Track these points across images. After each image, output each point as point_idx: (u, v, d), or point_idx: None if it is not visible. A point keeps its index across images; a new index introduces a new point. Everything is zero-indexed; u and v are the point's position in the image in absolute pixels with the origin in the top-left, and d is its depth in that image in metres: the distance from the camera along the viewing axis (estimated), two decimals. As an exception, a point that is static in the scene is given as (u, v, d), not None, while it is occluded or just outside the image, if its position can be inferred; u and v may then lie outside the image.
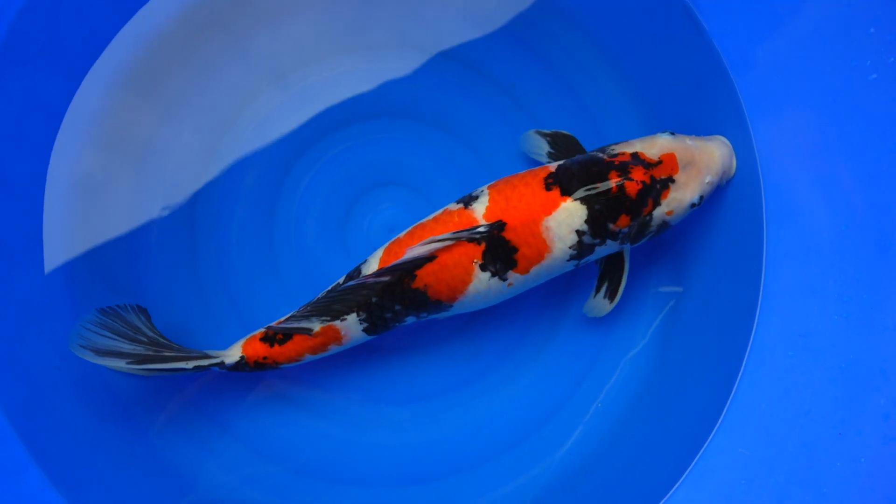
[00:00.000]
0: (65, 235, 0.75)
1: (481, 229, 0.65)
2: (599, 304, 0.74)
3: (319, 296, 0.71)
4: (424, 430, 0.77)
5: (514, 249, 0.67)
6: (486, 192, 0.69)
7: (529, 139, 0.77)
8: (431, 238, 0.65)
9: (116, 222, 0.77)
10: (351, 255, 0.79)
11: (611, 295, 0.74)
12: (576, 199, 0.66)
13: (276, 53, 0.80)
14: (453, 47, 0.80)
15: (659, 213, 0.68)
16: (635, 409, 0.77)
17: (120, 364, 0.67)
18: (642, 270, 0.79)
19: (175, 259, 0.78)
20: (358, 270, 0.71)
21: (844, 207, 0.68)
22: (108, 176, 0.77)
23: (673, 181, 0.67)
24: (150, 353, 0.68)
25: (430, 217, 0.71)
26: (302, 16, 0.80)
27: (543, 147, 0.76)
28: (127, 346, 0.68)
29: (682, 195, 0.68)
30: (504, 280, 0.68)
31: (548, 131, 0.76)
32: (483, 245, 0.66)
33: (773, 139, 0.72)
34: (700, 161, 0.68)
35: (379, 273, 0.66)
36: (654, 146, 0.68)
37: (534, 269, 0.68)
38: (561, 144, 0.75)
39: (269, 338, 0.70)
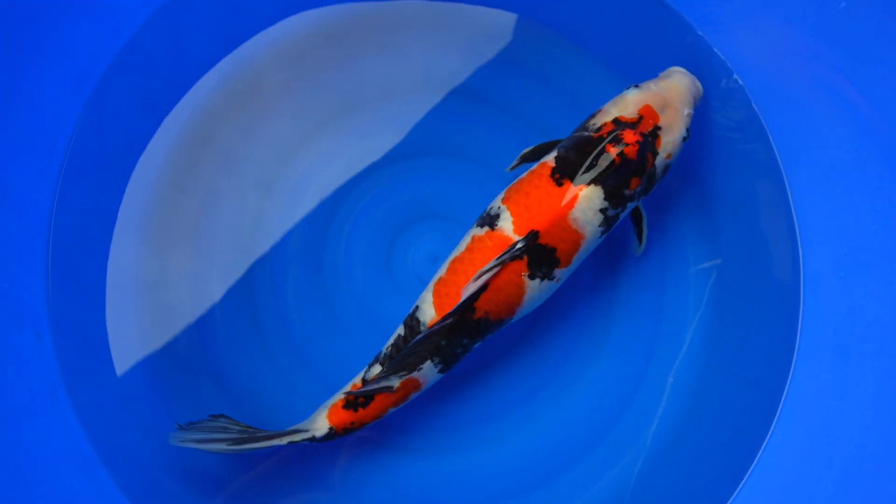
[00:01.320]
0: (135, 336, 0.80)
1: (519, 245, 0.68)
2: (634, 245, 0.79)
3: (386, 349, 0.73)
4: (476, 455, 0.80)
5: (553, 249, 0.70)
6: (504, 207, 0.71)
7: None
8: (479, 271, 0.68)
9: (181, 312, 0.81)
10: (400, 289, 0.83)
11: (639, 238, 0.78)
12: (586, 184, 0.69)
13: (302, 117, 0.86)
14: (459, 84, 0.86)
15: (660, 161, 0.72)
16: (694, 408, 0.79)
17: (221, 446, 0.70)
18: (677, 251, 0.82)
19: (241, 331, 0.82)
20: (413, 318, 0.72)
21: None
22: (163, 270, 0.82)
23: (660, 128, 0.71)
24: (245, 436, 0.71)
25: (463, 248, 0.72)
26: (308, 93, 0.86)
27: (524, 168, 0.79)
28: (223, 435, 0.71)
29: (672, 136, 0.72)
30: (552, 279, 0.71)
31: (516, 161, 0.78)
32: (525, 258, 0.69)
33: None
34: (672, 100, 0.72)
35: (443, 319, 0.68)
36: (628, 105, 0.72)
37: (574, 258, 0.71)
38: (535, 156, 0.77)
39: (352, 403, 0.72)
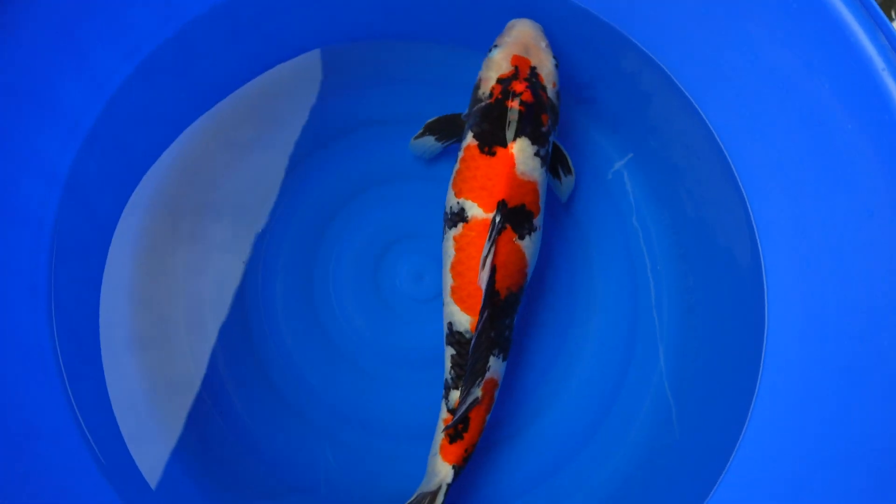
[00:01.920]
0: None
1: (498, 219, 0.72)
2: (565, 183, 0.83)
3: (449, 375, 0.75)
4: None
5: (523, 206, 0.74)
6: (462, 199, 0.74)
7: (418, 145, 0.83)
8: (482, 259, 0.71)
9: (178, 345, 0.82)
10: (392, 310, 0.85)
11: (566, 170, 0.82)
12: (513, 141, 0.74)
13: (273, 160, 0.87)
14: (417, 113, 0.86)
15: (551, 92, 0.78)
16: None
17: None
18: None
19: (242, 378, 0.83)
20: (454, 333, 0.75)
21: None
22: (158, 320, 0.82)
23: (535, 67, 0.76)
24: None
25: (452, 252, 0.75)
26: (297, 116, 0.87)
27: (429, 141, 0.82)
28: None
29: (547, 69, 0.77)
30: (536, 229, 0.76)
31: (422, 130, 0.82)
32: (508, 226, 0.73)
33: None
34: (529, 41, 0.78)
35: (481, 317, 0.71)
36: (500, 63, 0.76)
37: (540, 202, 0.76)
38: (442, 128, 0.82)
39: (456, 433, 0.74)
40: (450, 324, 0.76)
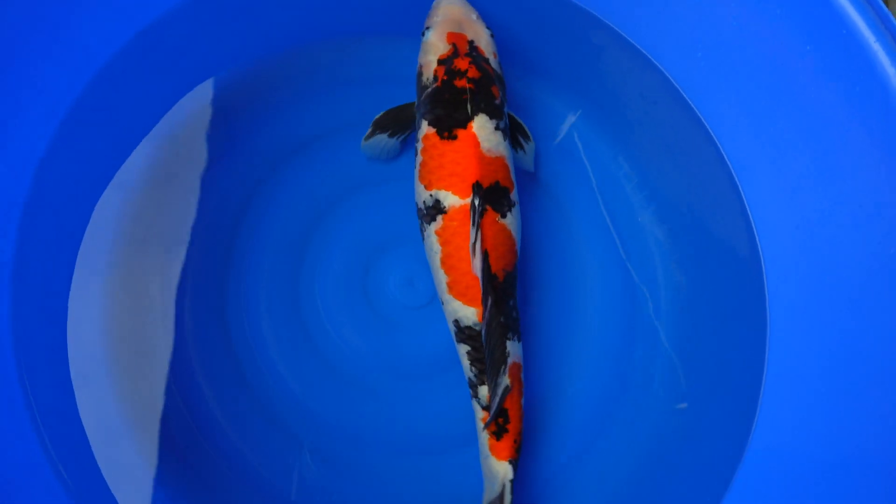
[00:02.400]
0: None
1: (476, 203, 0.69)
2: (528, 151, 0.81)
3: (470, 373, 0.72)
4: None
5: (497, 183, 0.72)
6: (435, 191, 0.71)
7: (371, 146, 0.80)
8: (470, 247, 0.69)
9: (156, 358, 0.78)
10: (386, 320, 0.82)
11: (525, 138, 0.80)
12: (471, 119, 0.71)
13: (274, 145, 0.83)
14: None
15: (494, 63, 0.75)
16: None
17: None
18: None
19: (226, 399, 0.79)
20: (462, 329, 0.72)
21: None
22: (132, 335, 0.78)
23: (472, 41, 0.74)
24: None
25: (438, 248, 0.72)
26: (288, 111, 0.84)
27: (382, 139, 0.80)
28: None
29: (484, 40, 0.75)
30: (515, 203, 0.74)
31: (370, 129, 0.79)
32: (488, 207, 0.71)
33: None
34: (459, 16, 0.75)
35: (485, 305, 0.68)
36: (437, 45, 0.74)
37: (512, 175, 0.75)
38: (391, 123, 0.79)
39: (500, 428, 0.72)
40: (455, 321, 0.73)
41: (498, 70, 0.76)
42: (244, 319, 0.80)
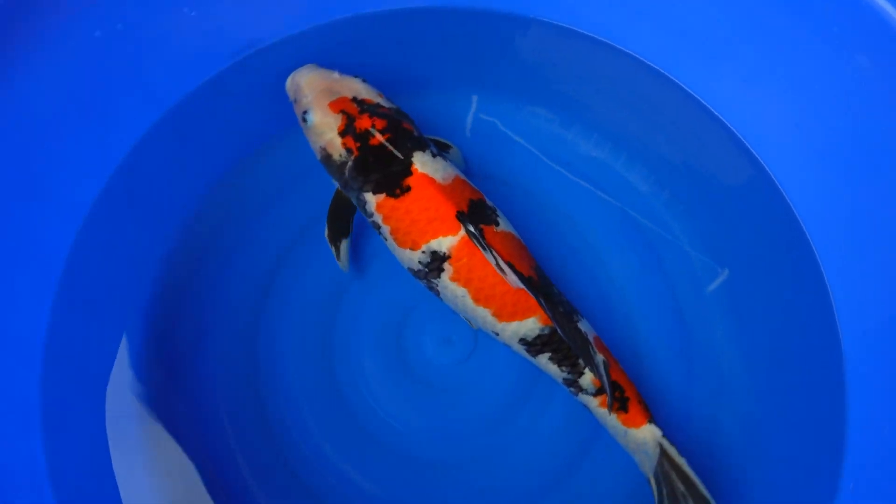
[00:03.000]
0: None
1: (472, 229, 0.68)
2: (455, 158, 0.80)
3: (564, 371, 0.70)
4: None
5: (470, 200, 0.71)
6: (425, 244, 0.69)
7: (345, 259, 0.78)
8: (498, 269, 0.67)
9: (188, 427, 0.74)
10: (416, 378, 0.78)
11: (447, 148, 0.80)
12: (411, 164, 0.70)
13: (280, 229, 0.83)
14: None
15: (386, 102, 0.74)
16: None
17: None
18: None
19: (265, 465, 0.75)
20: (534, 342, 0.70)
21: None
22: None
23: (355, 98, 0.73)
24: None
25: (465, 289, 0.70)
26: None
27: (348, 245, 0.78)
28: None
29: (361, 91, 0.74)
30: (495, 207, 0.73)
31: (332, 247, 0.77)
32: (482, 226, 0.69)
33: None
34: (325, 85, 0.73)
35: (543, 306, 0.67)
36: (327, 119, 0.72)
37: (474, 185, 0.74)
38: (343, 226, 0.77)
39: (621, 400, 0.69)
40: (521, 340, 0.70)
41: (393, 106, 0.74)
42: (280, 401, 0.77)
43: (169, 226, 0.79)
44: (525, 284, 0.67)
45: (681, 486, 0.67)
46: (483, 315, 0.71)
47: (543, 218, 0.83)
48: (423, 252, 0.70)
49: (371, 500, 0.74)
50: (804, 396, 0.74)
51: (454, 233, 0.69)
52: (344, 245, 0.77)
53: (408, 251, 0.71)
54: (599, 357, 0.68)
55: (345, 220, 0.77)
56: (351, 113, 0.71)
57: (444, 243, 0.69)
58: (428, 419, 0.77)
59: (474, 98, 0.86)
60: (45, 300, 0.72)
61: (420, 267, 0.71)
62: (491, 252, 0.67)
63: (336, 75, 0.74)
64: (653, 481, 0.69)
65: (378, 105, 0.73)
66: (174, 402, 0.75)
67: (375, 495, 0.74)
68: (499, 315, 0.70)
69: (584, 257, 0.82)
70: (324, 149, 0.72)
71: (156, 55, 0.79)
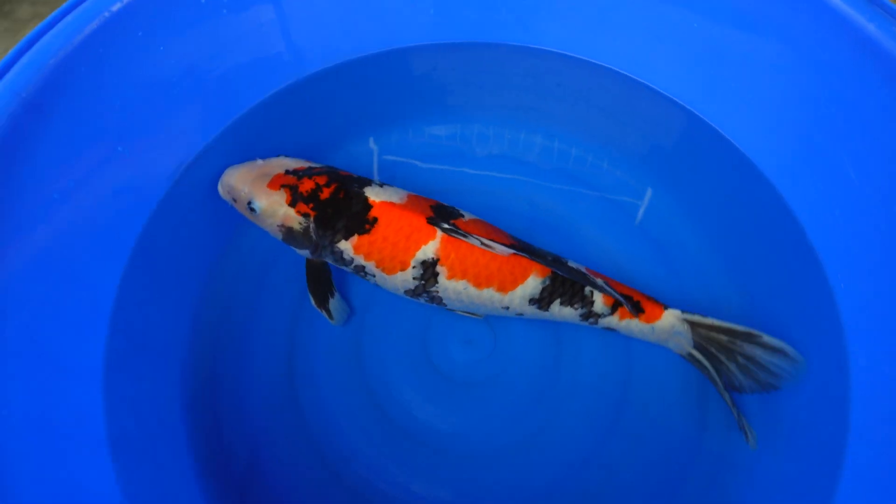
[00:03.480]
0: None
1: (446, 227, 0.73)
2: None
3: (573, 313, 0.76)
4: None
5: (431, 206, 0.76)
6: (411, 264, 0.74)
7: (339, 317, 0.81)
8: (482, 247, 0.73)
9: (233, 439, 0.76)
10: (446, 378, 0.82)
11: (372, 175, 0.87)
12: (366, 198, 0.74)
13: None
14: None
15: (313, 163, 0.79)
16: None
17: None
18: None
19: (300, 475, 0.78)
20: (532, 301, 0.76)
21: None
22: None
23: (287, 170, 0.76)
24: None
25: (470, 288, 0.75)
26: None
27: (339, 304, 0.81)
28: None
29: (289, 163, 0.78)
30: (453, 206, 0.79)
31: (322, 312, 0.80)
32: (451, 220, 0.75)
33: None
34: (255, 173, 0.76)
35: (534, 257, 0.73)
36: (274, 202, 0.74)
37: (421, 195, 0.79)
38: (324, 287, 0.80)
39: (635, 305, 0.76)
40: (531, 300, 0.76)
41: (323, 165, 0.79)
42: (317, 410, 0.81)
43: (206, 258, 0.83)
44: (513, 249, 0.72)
45: (722, 337, 0.73)
46: (489, 295, 0.75)
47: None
48: (414, 267, 0.74)
49: (410, 495, 0.77)
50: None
51: (433, 236, 0.73)
52: (334, 304, 0.80)
53: (399, 274, 0.75)
54: (598, 280, 0.74)
55: (324, 283, 0.80)
56: (291, 184, 0.74)
57: (429, 250, 0.73)
58: (458, 415, 0.81)
59: (370, 139, 0.92)
60: (99, 336, 0.74)
61: (416, 283, 0.75)
62: (472, 236, 0.72)
63: (259, 162, 0.77)
64: (696, 353, 0.75)
65: (311, 167, 0.77)
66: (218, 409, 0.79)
67: (415, 492, 0.77)
68: (503, 287, 0.75)
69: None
70: (282, 225, 0.75)
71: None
